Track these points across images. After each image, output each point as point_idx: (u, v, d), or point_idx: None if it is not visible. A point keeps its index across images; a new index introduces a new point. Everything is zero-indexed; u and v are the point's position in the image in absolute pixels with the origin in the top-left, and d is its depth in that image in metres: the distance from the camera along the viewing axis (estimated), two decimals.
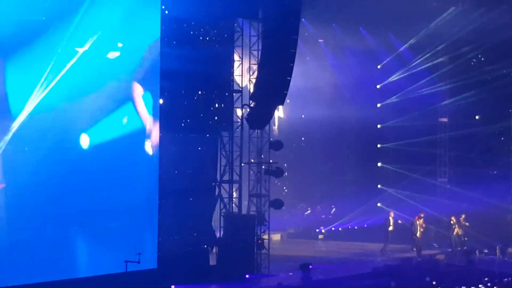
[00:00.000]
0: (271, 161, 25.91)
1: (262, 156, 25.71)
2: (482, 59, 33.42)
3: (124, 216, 21.25)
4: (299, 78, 27.97)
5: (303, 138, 36.70)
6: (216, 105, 24.49)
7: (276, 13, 23.50)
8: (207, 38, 24.02)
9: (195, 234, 23.72)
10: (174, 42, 22.82)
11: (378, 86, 35.32)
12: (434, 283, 22.30)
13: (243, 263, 24.33)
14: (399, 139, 34.53)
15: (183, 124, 23.57)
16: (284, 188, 34.07)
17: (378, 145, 35.79)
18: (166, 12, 22.52)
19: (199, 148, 24.05)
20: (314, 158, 35.80)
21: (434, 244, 30.97)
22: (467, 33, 31.89)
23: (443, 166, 35.05)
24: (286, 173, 27.65)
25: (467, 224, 29.98)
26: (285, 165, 30.41)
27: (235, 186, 25.17)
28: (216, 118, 24.49)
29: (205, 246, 24.19)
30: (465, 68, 33.36)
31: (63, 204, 19.73)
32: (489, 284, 21.56)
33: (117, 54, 20.73)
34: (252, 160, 25.70)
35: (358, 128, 36.19)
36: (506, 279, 23.21)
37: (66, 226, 19.90)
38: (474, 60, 33.25)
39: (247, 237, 24.72)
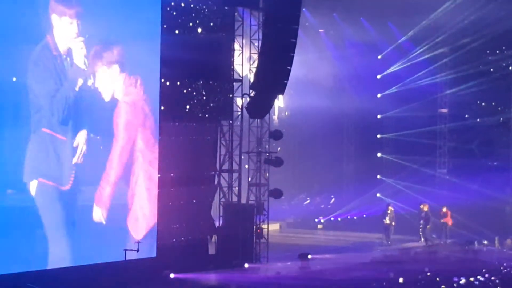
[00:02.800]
0: (272, 150, 25.92)
1: (267, 146, 25.73)
2: (483, 50, 33.32)
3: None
4: (299, 68, 27.90)
5: (301, 129, 36.63)
6: (216, 94, 24.45)
7: (277, 2, 23.43)
8: (208, 27, 23.97)
9: (194, 223, 23.72)
10: (175, 30, 22.77)
11: (378, 77, 35.25)
12: (429, 274, 22.30)
13: (242, 253, 24.34)
14: (399, 129, 34.53)
15: (183, 113, 23.55)
16: (284, 177, 34.02)
17: (378, 136, 35.78)
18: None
19: (199, 137, 24.03)
20: (314, 148, 35.76)
21: (433, 235, 30.96)
22: (467, 23, 31.78)
23: (442, 157, 35.01)
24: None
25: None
26: (285, 154, 30.29)
27: (234, 176, 25.14)
28: (216, 107, 24.46)
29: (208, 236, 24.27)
30: (466, 59, 33.23)
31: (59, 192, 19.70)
32: (487, 275, 21.56)
33: None
34: (252, 150, 25.69)
35: (358, 118, 36.13)
36: (504, 270, 23.24)
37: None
38: (475, 51, 33.12)
39: (246, 226, 24.73)
